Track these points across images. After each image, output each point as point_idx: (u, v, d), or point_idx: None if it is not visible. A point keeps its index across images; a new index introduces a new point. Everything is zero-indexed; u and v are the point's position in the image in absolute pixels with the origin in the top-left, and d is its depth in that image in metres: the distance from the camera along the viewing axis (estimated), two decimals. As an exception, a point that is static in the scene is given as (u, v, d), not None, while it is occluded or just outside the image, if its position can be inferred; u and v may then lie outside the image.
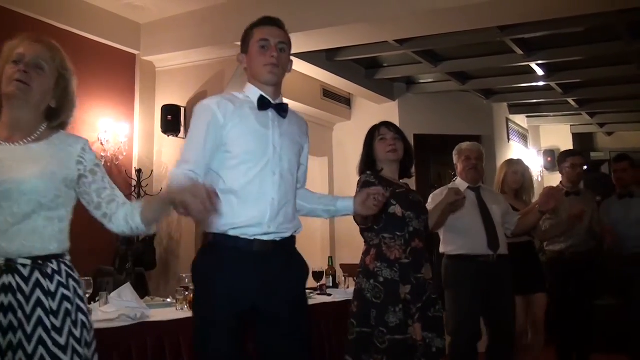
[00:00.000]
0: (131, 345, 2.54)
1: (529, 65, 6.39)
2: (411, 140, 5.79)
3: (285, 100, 2.54)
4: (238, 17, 5.31)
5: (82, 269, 3.53)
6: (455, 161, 4.05)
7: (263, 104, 2.31)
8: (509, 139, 8.33)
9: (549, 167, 9.33)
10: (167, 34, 5.63)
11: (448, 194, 3.36)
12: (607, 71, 6.73)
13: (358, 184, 3.12)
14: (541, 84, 7.13)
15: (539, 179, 8.92)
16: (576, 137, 9.49)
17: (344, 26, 5.05)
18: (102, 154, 5.19)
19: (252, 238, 2.19)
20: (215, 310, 2.17)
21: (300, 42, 5.37)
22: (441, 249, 3.91)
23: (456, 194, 3.34)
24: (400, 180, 3.22)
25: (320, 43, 5.49)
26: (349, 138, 7.41)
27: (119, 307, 2.64)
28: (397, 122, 7.16)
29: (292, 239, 2.32)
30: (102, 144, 5.24)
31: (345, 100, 7.55)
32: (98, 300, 2.91)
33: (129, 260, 3.99)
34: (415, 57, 6.23)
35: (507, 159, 4.89)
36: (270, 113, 2.32)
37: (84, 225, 5.05)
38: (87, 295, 2.79)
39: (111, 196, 2.01)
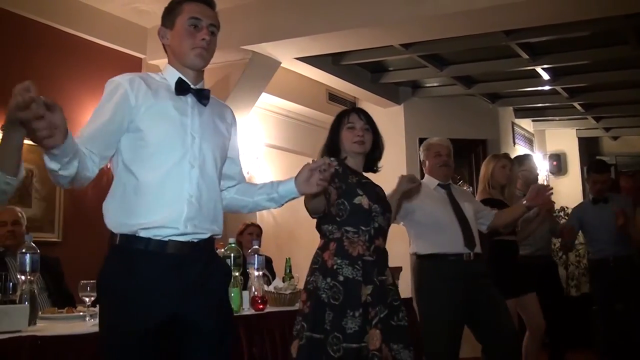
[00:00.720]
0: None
1: (534, 69, 6.39)
2: (416, 144, 5.80)
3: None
4: (244, 22, 5.33)
5: (86, 273, 3.54)
6: (422, 157, 3.83)
7: (182, 88, 2.04)
8: (514, 143, 8.32)
9: (555, 171, 9.32)
10: (173, 38, 5.63)
11: (400, 181, 3.04)
12: (613, 75, 6.73)
13: None
14: (547, 88, 7.12)
15: (545, 183, 8.90)
16: (582, 141, 9.47)
17: (350, 30, 5.06)
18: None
19: (166, 239, 1.92)
20: (127, 326, 1.86)
21: (306, 46, 5.40)
22: (411, 250, 3.68)
23: (409, 180, 3.03)
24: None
25: (326, 47, 5.50)
26: (354, 142, 7.40)
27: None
28: (402, 126, 7.35)
29: (210, 241, 2.05)
30: (108, 147, 5.26)
31: (351, 104, 7.53)
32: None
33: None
34: (421, 61, 6.24)
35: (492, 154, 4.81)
36: (190, 99, 2.06)
37: (88, 229, 5.08)
38: (93, 298, 2.80)
39: None
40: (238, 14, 5.35)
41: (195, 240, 1.97)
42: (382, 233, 2.74)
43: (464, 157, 7.41)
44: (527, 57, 5.97)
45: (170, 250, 1.93)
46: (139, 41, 5.69)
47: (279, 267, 4.90)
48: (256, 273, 3.30)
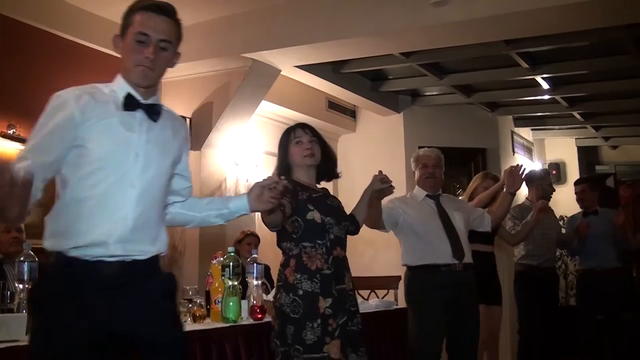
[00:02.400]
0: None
1: (534, 78, 6.39)
2: (416, 153, 5.73)
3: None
4: (244, 29, 5.33)
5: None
6: (413, 168, 3.88)
7: (130, 104, 1.93)
8: (514, 152, 8.31)
9: (554, 181, 9.29)
10: (173, 45, 5.64)
11: (372, 182, 3.08)
12: (612, 85, 6.74)
13: None
14: (546, 97, 7.12)
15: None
16: (581, 150, 9.48)
17: (350, 39, 5.06)
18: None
19: (93, 260, 1.84)
20: (59, 344, 1.79)
21: (306, 54, 5.40)
22: (402, 261, 3.74)
23: (382, 181, 3.05)
24: (318, 186, 3.04)
25: (326, 55, 5.51)
26: (354, 150, 7.42)
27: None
28: (402, 135, 7.36)
29: (149, 261, 1.94)
30: (107, 154, 5.25)
31: (351, 112, 7.56)
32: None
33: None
34: (421, 70, 6.24)
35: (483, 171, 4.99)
36: (138, 115, 1.94)
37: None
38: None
39: None
40: (238, 22, 5.36)
41: (128, 261, 1.88)
42: (340, 242, 2.87)
43: (464, 166, 7.41)
44: (527, 66, 5.97)
45: (100, 271, 1.85)
46: (139, 48, 5.68)
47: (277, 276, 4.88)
48: (255, 282, 3.28)
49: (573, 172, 9.30)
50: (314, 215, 2.79)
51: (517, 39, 5.32)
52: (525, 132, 8.93)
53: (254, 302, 3.22)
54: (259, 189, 2.11)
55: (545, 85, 6.61)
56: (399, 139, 7.29)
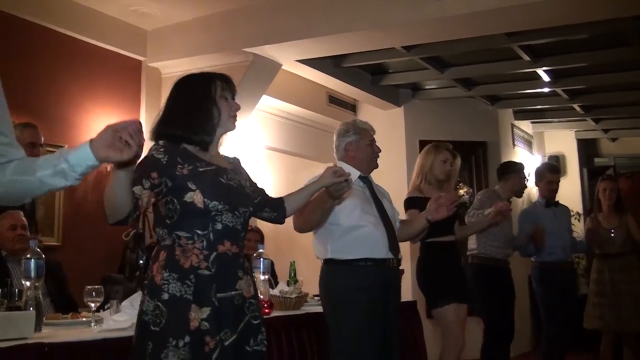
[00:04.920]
0: (142, 354, 2.52)
1: (534, 71, 6.39)
2: (417, 146, 5.84)
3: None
4: (245, 24, 5.32)
5: (86, 277, 3.53)
6: (347, 141, 3.20)
7: None
8: (514, 145, 8.32)
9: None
10: (173, 40, 5.63)
11: (324, 175, 2.41)
12: (612, 77, 6.74)
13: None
14: (547, 90, 7.12)
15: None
16: (580, 142, 9.48)
17: (351, 33, 5.05)
18: (109, 161, 5.17)
19: None
20: None
21: (307, 49, 5.39)
22: (319, 254, 3.09)
23: (335, 173, 2.39)
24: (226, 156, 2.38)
25: (327, 49, 5.49)
26: (354, 144, 7.41)
27: (131, 316, 2.62)
28: (402, 129, 7.36)
29: None
30: (108, 150, 5.23)
31: (351, 107, 7.54)
32: (108, 308, 2.90)
33: (138, 267, 3.95)
34: (422, 63, 6.24)
35: (433, 145, 4.08)
36: None
37: (88, 233, 5.05)
38: (98, 304, 2.78)
39: None
40: (239, 17, 5.34)
41: None
42: (232, 235, 2.14)
43: (464, 160, 7.35)
44: (527, 59, 5.97)
45: None
46: (139, 43, 5.67)
47: (280, 271, 4.89)
48: (262, 277, 3.27)
49: (573, 165, 9.32)
50: (195, 197, 2.07)
51: (518, 31, 5.31)
52: (525, 125, 8.93)
53: (261, 297, 3.22)
54: (112, 133, 1.65)
55: (545, 78, 6.60)
56: (400, 132, 7.29)
